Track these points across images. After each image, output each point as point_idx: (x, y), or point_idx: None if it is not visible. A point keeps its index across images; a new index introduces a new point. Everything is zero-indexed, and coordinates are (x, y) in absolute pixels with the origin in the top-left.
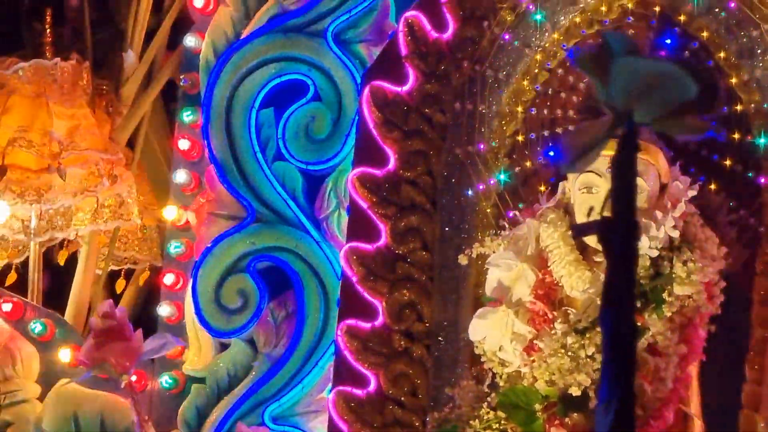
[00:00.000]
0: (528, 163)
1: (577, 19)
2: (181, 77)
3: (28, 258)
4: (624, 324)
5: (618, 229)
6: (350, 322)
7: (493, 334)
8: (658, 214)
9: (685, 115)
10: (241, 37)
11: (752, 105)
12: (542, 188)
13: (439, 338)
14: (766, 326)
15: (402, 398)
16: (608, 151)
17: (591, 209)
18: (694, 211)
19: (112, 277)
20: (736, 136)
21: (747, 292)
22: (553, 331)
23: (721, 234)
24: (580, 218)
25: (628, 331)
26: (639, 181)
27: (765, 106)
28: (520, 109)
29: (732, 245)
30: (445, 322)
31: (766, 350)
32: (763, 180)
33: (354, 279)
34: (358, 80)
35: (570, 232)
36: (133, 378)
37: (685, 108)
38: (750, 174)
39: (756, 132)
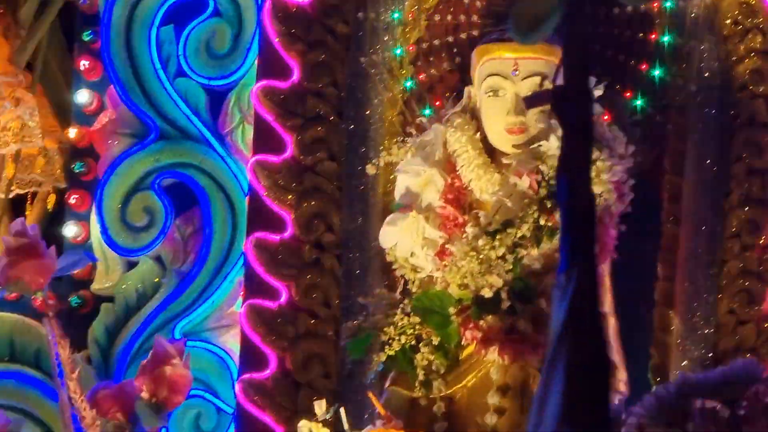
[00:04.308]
0: (433, 70)
1: None
2: None
3: None
4: (581, 190)
5: (571, 96)
6: (259, 235)
7: (404, 240)
8: None
9: None
10: None
11: (656, 3)
12: (448, 94)
13: (350, 247)
14: (676, 223)
15: (314, 309)
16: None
17: (543, 80)
18: (600, 111)
19: (20, 201)
20: (641, 35)
21: (657, 190)
22: (464, 235)
23: (628, 133)
24: (487, 121)
25: (585, 197)
26: (545, 82)
27: (667, 4)
28: (423, 16)
29: (639, 143)
30: (355, 231)
31: (676, 247)
32: (669, 78)
33: (261, 192)
34: None
35: (478, 134)
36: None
37: None
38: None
39: (659, 30)
